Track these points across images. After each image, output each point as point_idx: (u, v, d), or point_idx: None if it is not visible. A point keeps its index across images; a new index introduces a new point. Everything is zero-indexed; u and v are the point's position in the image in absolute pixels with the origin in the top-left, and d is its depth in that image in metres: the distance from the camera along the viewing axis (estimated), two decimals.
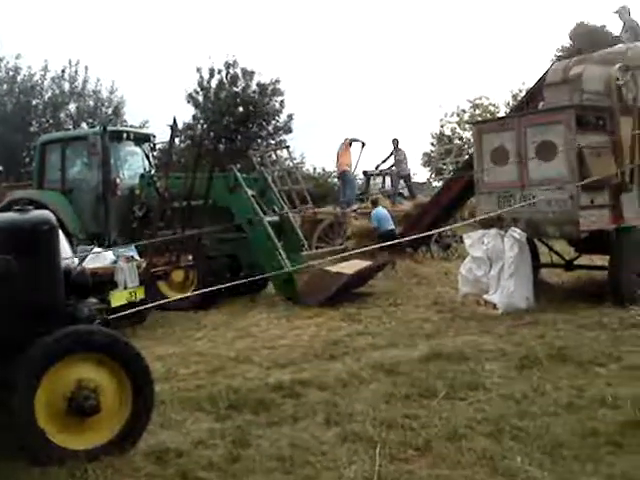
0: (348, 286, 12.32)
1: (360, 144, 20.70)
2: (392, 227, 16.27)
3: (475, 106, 47.43)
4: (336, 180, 26.78)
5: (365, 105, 78.50)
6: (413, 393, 6.55)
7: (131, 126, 30.19)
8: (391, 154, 22.26)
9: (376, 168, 23.63)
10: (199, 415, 6.26)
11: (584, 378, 6.87)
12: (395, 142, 22.25)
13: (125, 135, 15.02)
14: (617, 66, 11.17)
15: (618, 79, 11.03)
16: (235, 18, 72.76)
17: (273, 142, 40.32)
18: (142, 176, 14.36)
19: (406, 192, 21.77)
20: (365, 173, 25.31)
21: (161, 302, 9.69)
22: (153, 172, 14.80)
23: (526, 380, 6.87)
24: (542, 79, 12.79)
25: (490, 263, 11.11)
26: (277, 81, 41.20)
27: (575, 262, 12.85)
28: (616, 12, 13.96)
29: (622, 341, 8.26)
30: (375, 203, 17.34)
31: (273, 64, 78.43)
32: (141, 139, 15.59)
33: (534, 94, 13.67)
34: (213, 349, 9.15)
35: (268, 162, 20.82)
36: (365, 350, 8.55)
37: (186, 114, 40.12)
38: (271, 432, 5.72)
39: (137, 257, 10.52)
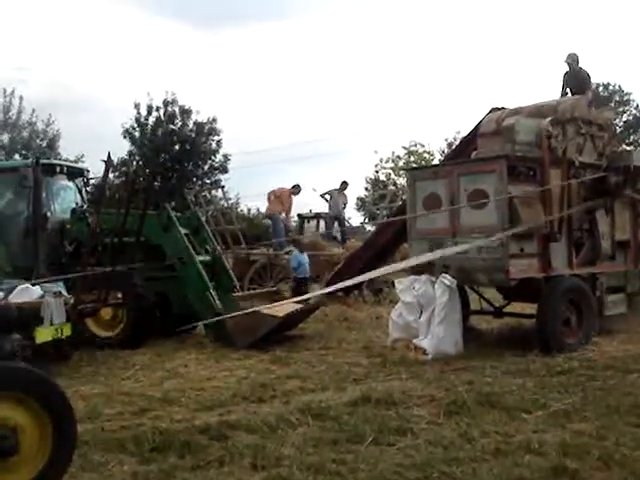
0: (279, 329, 12.25)
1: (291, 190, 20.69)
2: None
3: (410, 153, 48.15)
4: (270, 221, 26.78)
5: (300, 148, 79.18)
6: (341, 438, 6.51)
7: (66, 160, 29.82)
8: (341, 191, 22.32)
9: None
10: (122, 457, 6.11)
11: (511, 424, 6.91)
12: (344, 185, 22.36)
13: (58, 168, 14.76)
14: (548, 119, 11.46)
15: (548, 132, 11.32)
16: (175, 55, 72.94)
17: (208, 181, 40.32)
18: (74, 211, 14.14)
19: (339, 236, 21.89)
20: (300, 216, 25.37)
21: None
22: (85, 207, 14.59)
23: (454, 426, 6.88)
24: (476, 129, 13.04)
25: (421, 309, 11.18)
26: (214, 120, 41.40)
27: (504, 309, 13.02)
28: (566, 61, 14.03)
29: (548, 388, 8.34)
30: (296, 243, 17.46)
31: (211, 103, 78.57)
32: (74, 173, 15.36)
33: (468, 143, 13.92)
34: (140, 389, 8.95)
35: (202, 201, 20.75)
36: (294, 394, 8.47)
37: (122, 150, 39.91)
38: (196, 476, 5.63)
39: (65, 293, 10.30)
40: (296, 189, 20.42)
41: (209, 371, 10.14)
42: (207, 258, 13.45)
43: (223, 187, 24.39)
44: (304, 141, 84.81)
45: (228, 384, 9.16)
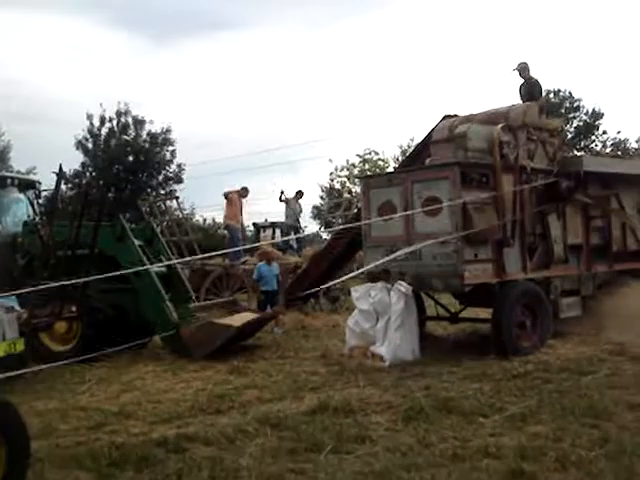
0: (236, 338, 12.20)
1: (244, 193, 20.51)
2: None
3: (365, 161, 48.37)
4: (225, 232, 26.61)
5: (256, 157, 79.11)
6: (299, 447, 6.50)
7: (17, 172, 29.42)
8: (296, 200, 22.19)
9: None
10: (79, 474, 6.02)
11: (468, 429, 6.96)
12: (300, 194, 22.29)
13: (9, 181, 14.58)
14: (499, 126, 11.58)
15: (500, 138, 11.42)
16: (128, 63, 72.47)
17: (163, 192, 40.04)
18: (26, 223, 13.95)
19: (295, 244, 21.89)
20: (255, 225, 25.31)
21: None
22: (37, 220, 14.41)
23: (412, 432, 6.91)
24: (429, 136, 13.12)
25: (377, 316, 11.21)
26: (168, 130, 41.08)
27: (460, 315, 13.11)
28: (516, 69, 13.88)
29: (505, 392, 8.41)
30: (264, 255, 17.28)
31: (164, 113, 78.16)
32: (26, 185, 15.17)
33: (421, 150, 14.01)
34: (96, 403, 8.84)
35: (157, 212, 20.59)
36: (252, 404, 8.44)
37: (75, 161, 39.50)
38: None
39: (18, 307, 10.14)
40: (244, 192, 20.34)
41: (166, 383, 10.05)
42: (162, 269, 13.32)
43: (177, 197, 24.18)
44: (259, 150, 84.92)
45: (185, 396, 9.08)
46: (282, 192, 22.32)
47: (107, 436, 7.16)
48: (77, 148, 39.96)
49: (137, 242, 12.92)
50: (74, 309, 11.41)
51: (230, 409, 8.24)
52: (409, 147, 42.68)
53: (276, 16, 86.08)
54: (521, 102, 13.50)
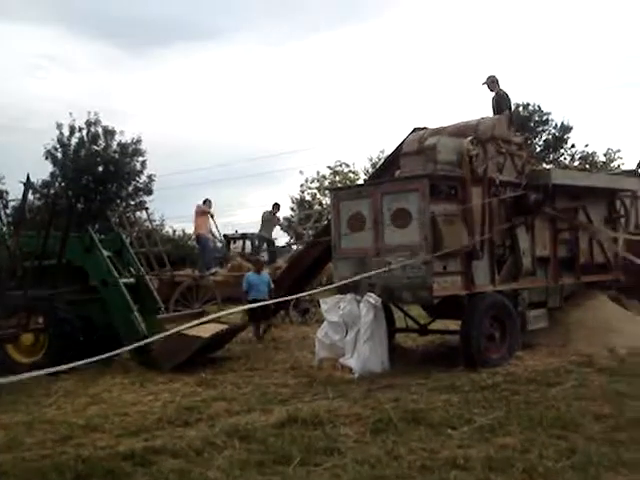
0: (204, 350, 12.13)
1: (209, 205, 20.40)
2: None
3: (335, 172, 48.45)
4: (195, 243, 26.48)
5: (226, 169, 79.00)
6: (268, 459, 6.47)
7: None
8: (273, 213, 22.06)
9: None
10: None
11: (437, 440, 6.96)
12: (276, 207, 22.18)
13: None
14: (469, 139, 11.64)
15: (469, 151, 11.48)
16: (99, 72, 72.10)
17: (132, 203, 39.86)
18: None
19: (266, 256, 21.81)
20: (225, 236, 25.22)
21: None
22: (5, 230, 14.27)
23: (380, 444, 6.90)
24: (399, 148, 13.16)
25: (346, 328, 11.20)
26: (138, 141, 40.91)
27: (429, 327, 13.14)
28: (484, 83, 13.98)
29: (473, 403, 8.43)
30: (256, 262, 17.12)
31: (135, 124, 77.74)
32: None
33: (391, 163, 14.04)
34: (62, 416, 8.73)
35: (127, 223, 20.48)
36: (220, 416, 8.38)
37: (44, 171, 39.19)
38: None
39: None
40: (206, 204, 20.25)
41: (134, 395, 9.96)
42: (131, 280, 13.24)
43: (147, 209, 24.11)
44: (230, 162, 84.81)
45: (153, 408, 9.02)
46: (277, 206, 22.09)
47: (73, 449, 7.08)
48: (46, 158, 39.71)
49: (106, 253, 12.84)
50: (41, 321, 11.29)
51: (198, 421, 8.18)
52: (379, 159, 42.87)
53: (249, 28, 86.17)
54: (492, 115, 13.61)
